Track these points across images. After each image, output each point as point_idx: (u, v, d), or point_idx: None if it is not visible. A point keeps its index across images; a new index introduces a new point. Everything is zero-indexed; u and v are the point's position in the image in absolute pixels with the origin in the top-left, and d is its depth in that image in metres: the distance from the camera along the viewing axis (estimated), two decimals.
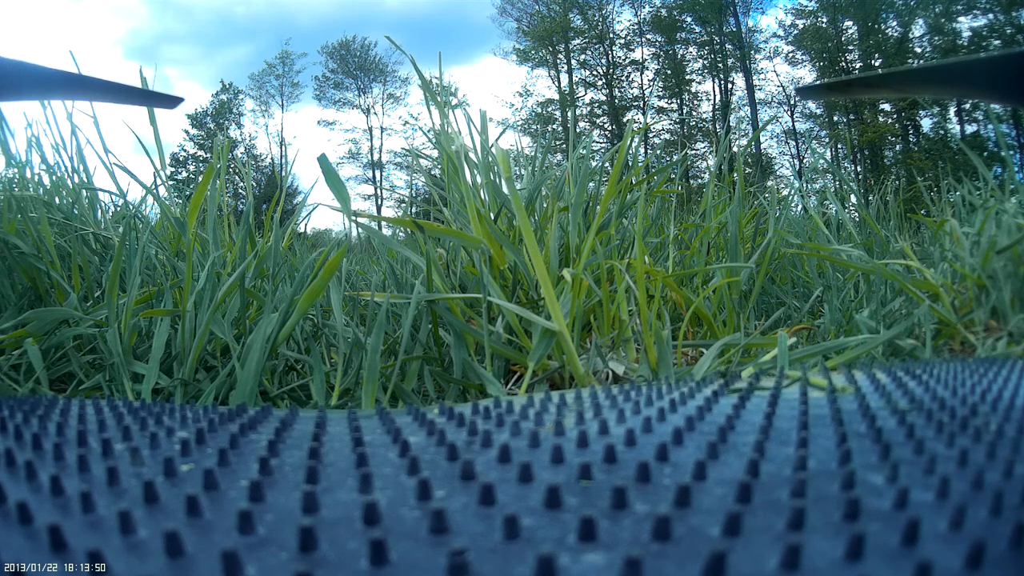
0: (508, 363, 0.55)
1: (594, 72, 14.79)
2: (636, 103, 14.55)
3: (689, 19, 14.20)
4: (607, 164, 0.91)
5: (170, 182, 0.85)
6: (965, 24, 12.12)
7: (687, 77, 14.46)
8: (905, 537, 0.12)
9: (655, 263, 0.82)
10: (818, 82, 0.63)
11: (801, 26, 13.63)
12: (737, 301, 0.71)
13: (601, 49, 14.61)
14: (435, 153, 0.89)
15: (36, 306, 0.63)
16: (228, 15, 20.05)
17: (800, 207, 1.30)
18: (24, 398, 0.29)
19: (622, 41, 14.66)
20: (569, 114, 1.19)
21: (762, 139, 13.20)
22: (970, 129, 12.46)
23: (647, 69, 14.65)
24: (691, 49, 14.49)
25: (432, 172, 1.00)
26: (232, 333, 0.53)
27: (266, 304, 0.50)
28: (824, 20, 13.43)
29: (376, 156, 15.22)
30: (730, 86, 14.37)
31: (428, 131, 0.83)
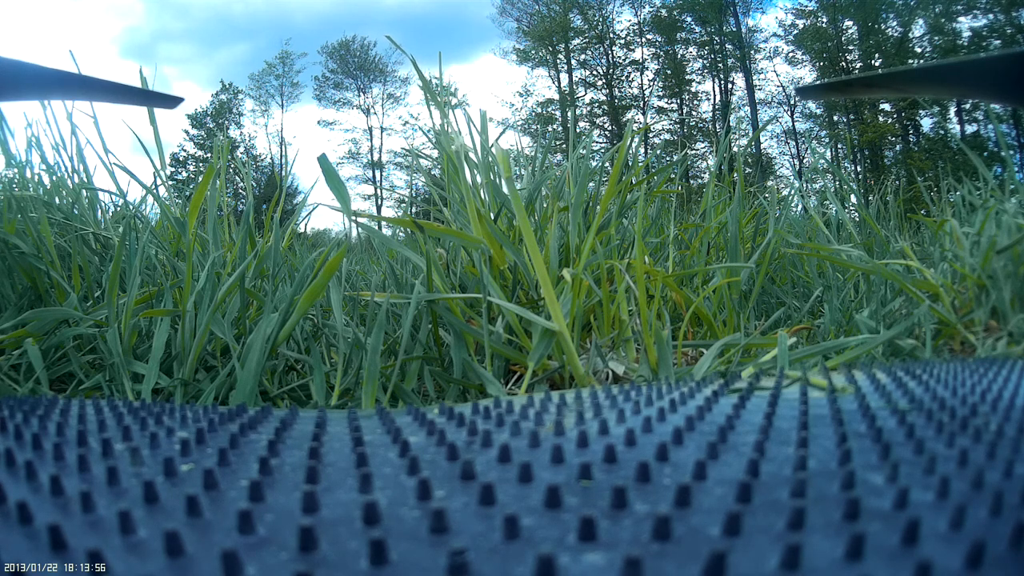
0: (508, 363, 0.55)
1: (594, 72, 14.80)
2: (636, 103, 14.55)
3: (689, 19, 14.20)
4: (607, 164, 0.91)
5: (170, 182, 0.85)
6: (965, 24, 12.13)
7: (687, 77, 14.46)
8: (905, 537, 0.12)
9: (655, 263, 0.82)
10: (818, 82, 0.63)
11: (801, 26, 13.63)
12: (737, 301, 0.71)
13: (601, 49, 14.61)
14: (435, 153, 0.89)
15: (36, 306, 0.63)
16: (226, 13, 20.05)
17: (800, 207, 1.30)
18: (24, 398, 0.29)
19: (622, 41, 14.67)
20: (569, 114, 1.19)
21: (762, 139, 13.21)
22: (970, 129, 12.46)
23: (647, 69, 14.66)
24: (691, 49, 14.49)
25: (432, 172, 1.00)
26: (232, 333, 0.53)
27: (266, 304, 0.50)
28: (824, 20, 13.43)
29: (376, 156, 15.23)
30: (730, 86, 14.38)
31: (428, 131, 0.83)
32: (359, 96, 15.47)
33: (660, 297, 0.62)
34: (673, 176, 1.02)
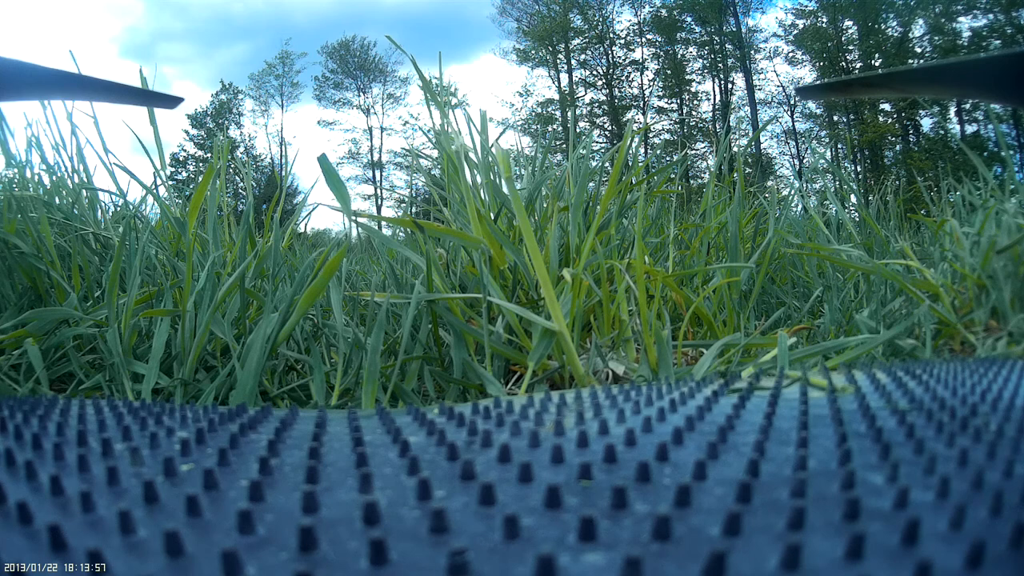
0: (508, 363, 0.55)
1: (594, 72, 14.80)
2: (636, 103, 14.55)
3: (689, 19, 14.20)
4: (607, 164, 0.91)
5: (170, 182, 0.85)
6: (965, 24, 12.13)
7: (687, 77, 14.46)
8: (905, 537, 0.12)
9: (655, 263, 0.82)
10: (818, 82, 0.63)
11: (801, 26, 13.63)
12: (737, 301, 0.71)
13: (601, 49, 14.61)
14: (435, 153, 0.89)
15: (36, 306, 0.63)
16: (225, 13, 20.03)
17: (800, 207, 1.30)
18: (24, 398, 0.29)
19: (622, 41, 14.67)
20: (569, 114, 1.19)
21: (762, 139, 13.21)
22: (970, 129, 12.46)
23: (647, 69, 14.66)
24: (691, 49, 14.49)
25: (432, 172, 1.00)
26: (232, 333, 0.53)
27: (266, 304, 0.50)
28: (824, 20, 13.43)
29: (376, 156, 15.23)
30: (730, 86, 14.37)
31: (428, 131, 0.83)
32: (359, 96, 15.48)
33: (660, 297, 0.62)
34: (673, 176, 1.02)
